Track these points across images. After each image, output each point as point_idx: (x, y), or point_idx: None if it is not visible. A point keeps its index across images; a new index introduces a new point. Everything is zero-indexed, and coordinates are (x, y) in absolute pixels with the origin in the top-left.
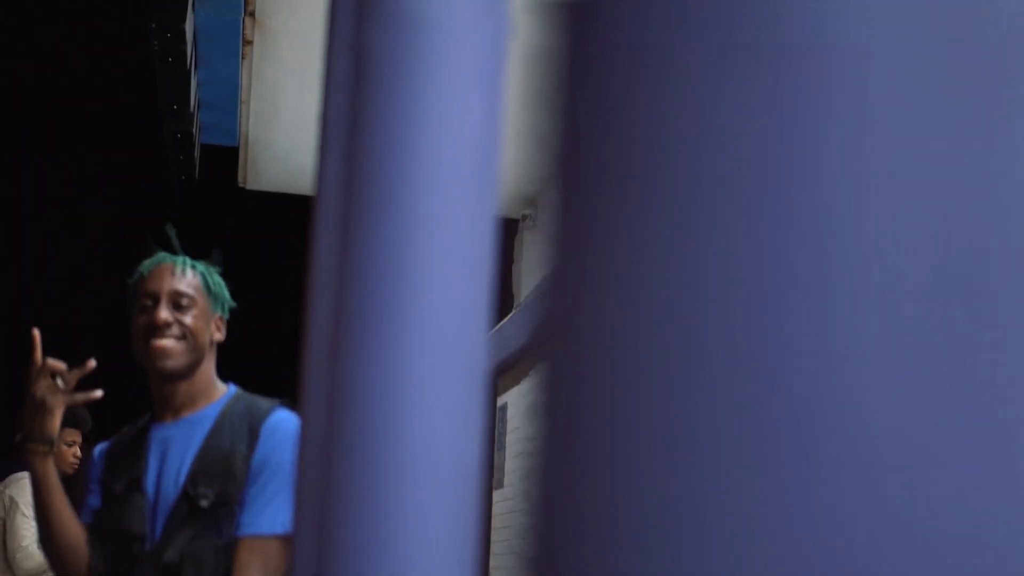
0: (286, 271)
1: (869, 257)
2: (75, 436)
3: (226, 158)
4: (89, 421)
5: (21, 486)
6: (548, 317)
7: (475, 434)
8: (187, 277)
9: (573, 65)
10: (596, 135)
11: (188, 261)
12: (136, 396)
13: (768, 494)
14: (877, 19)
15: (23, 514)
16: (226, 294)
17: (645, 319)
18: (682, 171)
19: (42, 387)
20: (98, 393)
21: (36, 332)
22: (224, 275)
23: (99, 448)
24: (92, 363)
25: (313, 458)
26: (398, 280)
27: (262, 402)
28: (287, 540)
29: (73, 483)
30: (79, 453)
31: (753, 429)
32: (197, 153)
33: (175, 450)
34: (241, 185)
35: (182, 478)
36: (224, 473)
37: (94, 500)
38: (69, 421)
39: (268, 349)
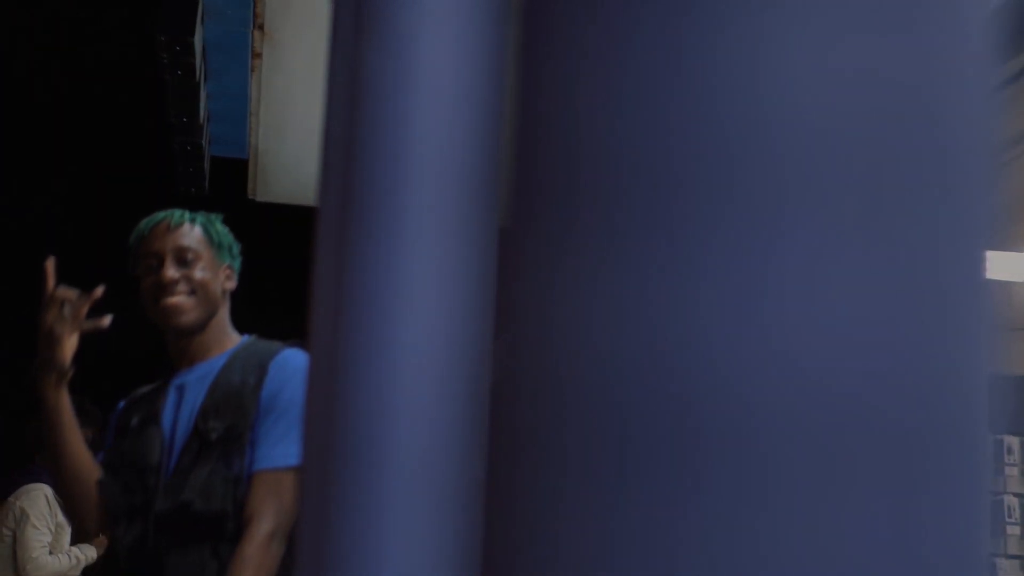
0: (296, 283)
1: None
2: (87, 433)
3: (235, 170)
4: (100, 417)
5: (32, 498)
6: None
7: (476, 436)
8: (188, 231)
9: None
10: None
11: (187, 214)
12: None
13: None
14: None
15: (33, 525)
16: (231, 241)
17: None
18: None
19: (51, 315)
20: (106, 320)
21: (50, 262)
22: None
23: (120, 404)
24: (100, 291)
25: (314, 466)
26: (398, 287)
27: (274, 344)
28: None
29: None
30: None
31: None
32: (206, 165)
33: (190, 393)
34: (251, 197)
35: (194, 415)
36: (234, 407)
37: (110, 441)
38: (82, 420)
39: None
